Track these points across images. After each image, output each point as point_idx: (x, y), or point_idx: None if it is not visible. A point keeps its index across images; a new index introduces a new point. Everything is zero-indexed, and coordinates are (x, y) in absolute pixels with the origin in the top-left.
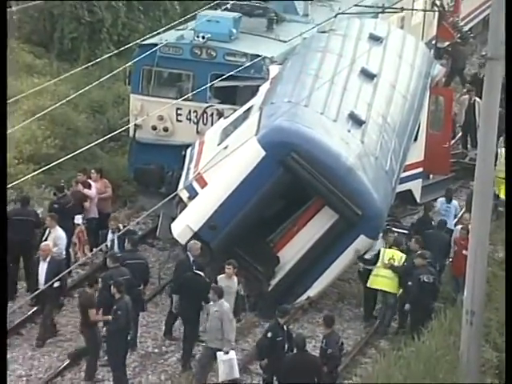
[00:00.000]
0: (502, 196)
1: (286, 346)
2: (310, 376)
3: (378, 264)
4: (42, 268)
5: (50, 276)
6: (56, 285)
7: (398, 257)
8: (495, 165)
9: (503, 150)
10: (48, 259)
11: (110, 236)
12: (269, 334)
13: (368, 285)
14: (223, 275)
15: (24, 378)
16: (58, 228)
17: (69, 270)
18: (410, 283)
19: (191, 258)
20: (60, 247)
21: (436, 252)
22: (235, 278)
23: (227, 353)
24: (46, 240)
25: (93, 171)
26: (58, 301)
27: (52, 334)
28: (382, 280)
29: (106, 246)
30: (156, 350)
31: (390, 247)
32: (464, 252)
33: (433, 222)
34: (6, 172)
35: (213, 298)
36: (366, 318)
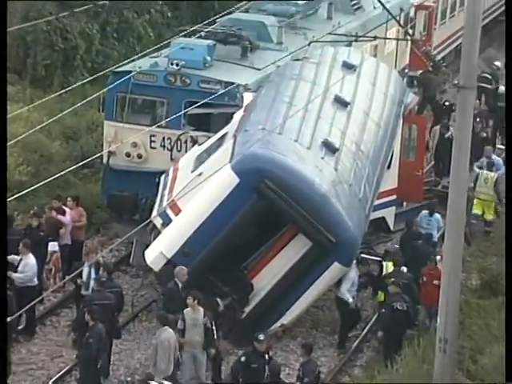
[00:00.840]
0: (479, 212)
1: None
2: None
3: None
4: None
5: None
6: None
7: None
8: (475, 186)
9: (485, 171)
10: None
11: (86, 265)
12: (242, 359)
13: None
14: (189, 308)
15: None
16: (29, 255)
17: (38, 299)
18: (383, 310)
19: (180, 285)
20: (27, 274)
21: (420, 265)
22: (201, 310)
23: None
24: (17, 267)
25: (69, 199)
26: (10, 337)
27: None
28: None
29: (81, 276)
30: (129, 379)
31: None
32: (435, 282)
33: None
34: (5, 177)
35: (157, 325)
36: (339, 345)
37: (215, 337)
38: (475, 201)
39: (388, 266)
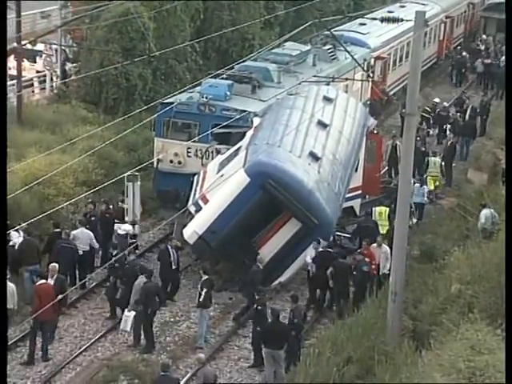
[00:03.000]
0: (432, 187)
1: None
2: (282, 338)
3: (378, 217)
4: None
5: None
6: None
7: (384, 210)
8: (426, 169)
9: (432, 158)
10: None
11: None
12: (254, 305)
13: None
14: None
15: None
16: (83, 229)
17: (102, 267)
18: (355, 273)
19: (260, 267)
20: (82, 241)
21: None
22: (205, 277)
23: (129, 311)
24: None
25: None
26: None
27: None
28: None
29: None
30: (172, 319)
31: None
32: (367, 259)
33: None
34: (5, 179)
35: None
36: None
37: (210, 298)
38: (428, 178)
39: (377, 211)
